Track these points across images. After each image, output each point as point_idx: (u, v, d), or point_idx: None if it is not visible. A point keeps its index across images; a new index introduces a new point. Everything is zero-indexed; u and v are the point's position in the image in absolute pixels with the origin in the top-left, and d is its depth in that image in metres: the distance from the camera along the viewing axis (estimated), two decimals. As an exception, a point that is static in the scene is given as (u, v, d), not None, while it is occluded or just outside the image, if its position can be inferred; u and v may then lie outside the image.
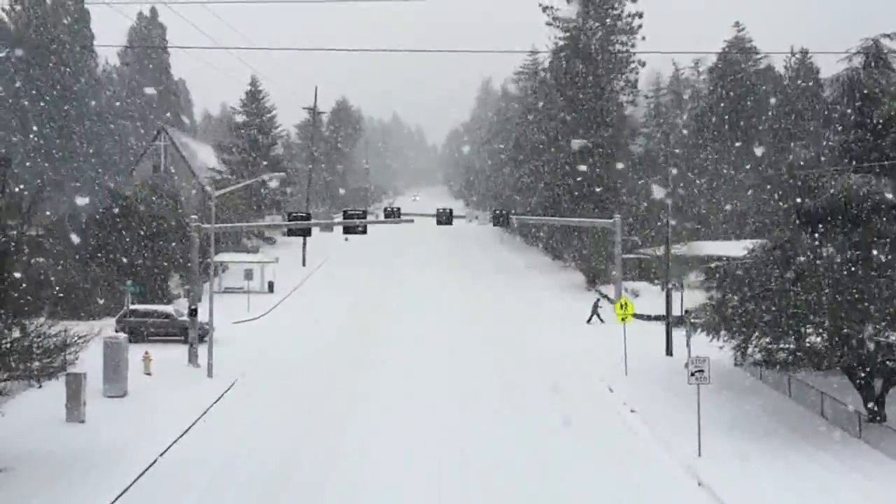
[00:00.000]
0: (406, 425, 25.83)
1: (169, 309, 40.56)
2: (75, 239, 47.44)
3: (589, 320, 45.53)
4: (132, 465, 21.36)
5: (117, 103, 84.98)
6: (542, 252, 79.93)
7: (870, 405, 25.12)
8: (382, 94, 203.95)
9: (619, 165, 63.63)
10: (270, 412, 27.47)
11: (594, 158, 62.01)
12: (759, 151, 64.11)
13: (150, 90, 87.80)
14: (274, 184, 70.38)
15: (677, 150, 64.67)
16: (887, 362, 24.19)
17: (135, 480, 20.46)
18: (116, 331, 38.20)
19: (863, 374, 24.90)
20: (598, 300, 48.23)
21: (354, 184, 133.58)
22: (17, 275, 20.75)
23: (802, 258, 24.90)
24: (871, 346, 23.36)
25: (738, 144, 66.35)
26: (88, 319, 38.66)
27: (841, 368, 25.48)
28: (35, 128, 64.64)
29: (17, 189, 23.22)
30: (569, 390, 30.53)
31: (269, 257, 61.02)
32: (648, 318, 44.34)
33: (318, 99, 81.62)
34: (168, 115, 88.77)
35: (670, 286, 39.26)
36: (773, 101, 67.99)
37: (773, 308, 24.68)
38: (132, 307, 40.23)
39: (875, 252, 23.95)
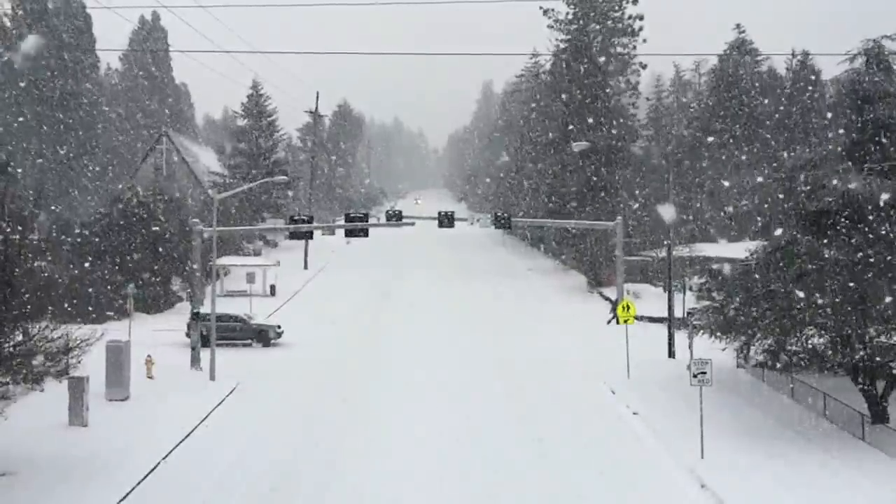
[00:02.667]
0: (408, 428, 25.81)
1: (241, 313, 41.13)
2: (77, 242, 47.49)
3: (610, 322, 45.31)
4: (134, 469, 21.36)
5: (119, 107, 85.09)
6: (543, 255, 79.93)
7: (872, 406, 25.08)
8: (384, 97, 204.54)
9: (621, 167, 63.60)
10: (272, 416, 27.47)
11: (595, 160, 62.02)
12: (760, 153, 64.12)
13: (151, 94, 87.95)
14: (276, 187, 70.53)
15: (679, 152, 64.64)
16: (890, 363, 24.15)
17: (137, 485, 20.46)
18: (187, 335, 38.71)
19: (865, 376, 24.86)
20: (616, 301, 47.79)
21: (356, 187, 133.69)
22: (20, 279, 20.77)
23: (804, 259, 24.86)
24: (873, 347, 23.35)
25: (739, 146, 66.31)
26: (91, 323, 38.62)
27: (843, 370, 25.44)
28: (36, 132, 64.70)
29: (18, 193, 23.25)
30: (570, 392, 30.51)
31: (270, 260, 61.07)
32: (650, 319, 44.32)
33: (319, 102, 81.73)
34: (170, 118, 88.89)
35: (672, 287, 39.21)
36: (774, 102, 67.96)
37: (776, 310, 24.65)
38: (201, 311, 40.46)
39: (877, 253, 23.90)
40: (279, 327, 40.49)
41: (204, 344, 37.93)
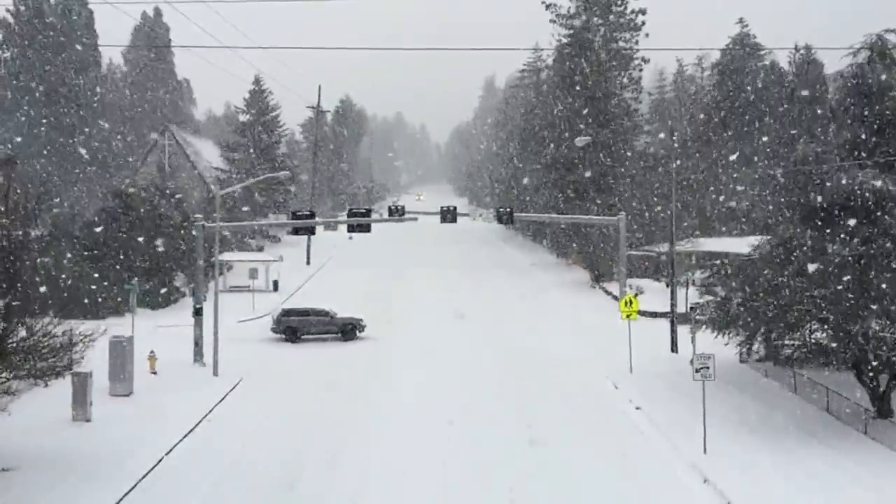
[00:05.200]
0: (410, 421, 25.89)
1: (327, 308, 41.44)
2: (80, 238, 47.52)
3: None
4: (138, 464, 21.41)
5: (122, 102, 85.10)
6: (546, 250, 79.89)
7: (875, 401, 25.08)
8: (386, 93, 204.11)
9: (623, 163, 63.53)
10: (275, 411, 27.51)
11: (598, 155, 61.96)
12: (762, 147, 63.94)
13: (154, 89, 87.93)
14: (278, 183, 70.51)
15: (681, 147, 64.52)
16: (893, 358, 24.14)
17: (140, 480, 20.50)
18: (273, 330, 39.83)
19: (868, 370, 24.85)
20: (636, 295, 47.41)
21: (359, 182, 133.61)
22: (24, 275, 20.79)
23: (807, 254, 24.85)
24: (876, 341, 23.33)
25: (741, 140, 66.20)
26: (94, 318, 38.71)
27: (846, 364, 25.44)
28: (39, 128, 64.74)
29: (22, 189, 23.27)
30: (573, 387, 30.53)
31: (273, 256, 61.09)
32: (653, 315, 44.30)
33: (321, 98, 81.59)
34: (172, 114, 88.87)
35: (675, 282, 39.17)
36: (777, 96, 67.83)
37: (779, 304, 24.64)
38: (289, 307, 41.29)
39: (881, 248, 23.88)
40: (362, 321, 40.77)
41: (290, 338, 39.29)
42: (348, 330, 40.19)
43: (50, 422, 24.58)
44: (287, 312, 40.61)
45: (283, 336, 39.92)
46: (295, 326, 39.90)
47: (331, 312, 40.74)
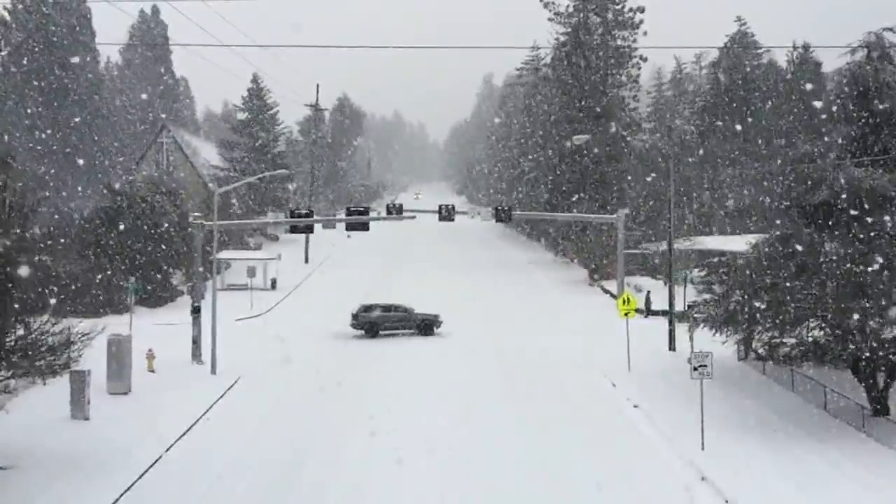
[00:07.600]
0: (409, 418, 25.90)
1: (406, 304, 41.85)
2: (78, 237, 47.46)
3: (646, 315, 44.83)
4: (136, 462, 21.40)
5: (119, 101, 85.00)
6: (544, 248, 79.90)
7: (873, 399, 25.11)
8: (385, 91, 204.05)
9: (621, 161, 63.59)
10: (273, 410, 27.52)
11: (596, 154, 62.02)
12: (761, 146, 64.04)
13: (151, 87, 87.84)
14: (277, 181, 70.52)
15: (679, 146, 64.56)
16: (890, 356, 24.17)
17: (138, 478, 20.49)
18: (352, 325, 40.35)
19: (866, 368, 24.88)
20: (649, 293, 47.28)
21: (357, 181, 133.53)
22: (22, 273, 20.77)
23: (805, 252, 24.87)
24: (874, 339, 23.36)
25: (740, 139, 66.29)
26: (92, 317, 38.66)
27: (844, 362, 25.46)
28: (37, 126, 64.66)
29: (19, 188, 23.24)
30: (571, 386, 30.54)
31: (271, 254, 61.07)
32: (651, 313, 44.30)
33: (319, 96, 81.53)
34: (170, 112, 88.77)
35: (673, 281, 39.18)
36: (775, 95, 67.93)
37: (777, 303, 24.66)
38: (369, 303, 41.61)
39: (877, 246, 23.91)
40: (439, 317, 41.07)
41: (370, 333, 40.01)
42: (426, 326, 40.52)
43: (48, 420, 24.55)
44: (367, 308, 40.94)
45: (363, 332, 40.25)
46: (375, 322, 40.24)
47: (409, 308, 41.14)
